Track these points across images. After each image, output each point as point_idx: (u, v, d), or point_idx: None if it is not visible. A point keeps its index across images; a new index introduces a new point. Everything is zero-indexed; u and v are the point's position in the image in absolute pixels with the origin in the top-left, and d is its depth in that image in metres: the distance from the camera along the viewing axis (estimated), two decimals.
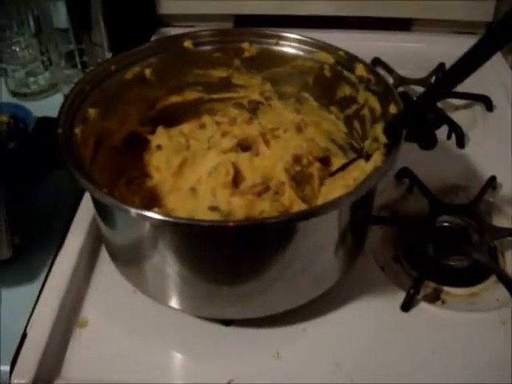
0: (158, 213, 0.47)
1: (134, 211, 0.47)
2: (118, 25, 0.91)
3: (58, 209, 0.69)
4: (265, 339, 0.58)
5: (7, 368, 0.54)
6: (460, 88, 0.83)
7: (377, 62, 0.96)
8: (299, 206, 0.58)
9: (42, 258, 0.64)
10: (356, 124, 0.64)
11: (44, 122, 0.70)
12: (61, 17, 0.84)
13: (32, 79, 0.91)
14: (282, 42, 0.67)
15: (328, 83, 0.66)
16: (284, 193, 0.59)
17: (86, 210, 0.67)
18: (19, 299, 0.61)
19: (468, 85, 0.85)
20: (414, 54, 0.99)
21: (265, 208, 0.57)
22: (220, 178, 0.59)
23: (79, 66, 0.87)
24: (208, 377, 0.55)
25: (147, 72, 0.66)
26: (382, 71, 0.96)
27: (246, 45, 0.68)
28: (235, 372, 0.55)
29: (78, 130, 0.56)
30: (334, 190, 0.58)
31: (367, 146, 0.59)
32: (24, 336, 0.56)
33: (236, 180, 0.60)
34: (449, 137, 0.83)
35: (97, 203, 0.56)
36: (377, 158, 0.54)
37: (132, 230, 0.54)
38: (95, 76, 0.63)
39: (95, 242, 0.66)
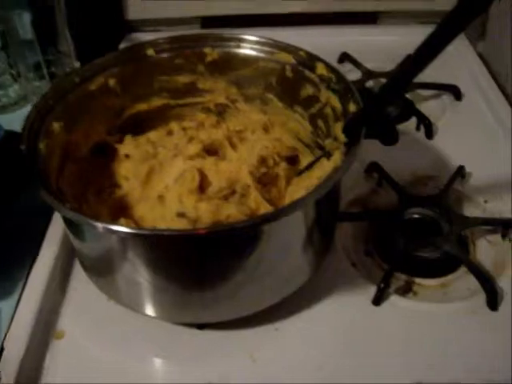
0: (124, 226, 0.48)
1: (100, 225, 0.48)
2: (85, 33, 0.91)
3: (31, 223, 0.69)
4: (239, 341, 0.58)
5: None
6: (428, 78, 0.86)
7: (345, 56, 0.97)
8: (265, 208, 0.59)
9: (17, 273, 0.64)
10: (320, 122, 0.65)
11: (10, 137, 0.70)
12: (26, 28, 0.85)
13: (1, 92, 0.91)
14: (243, 45, 0.68)
15: (291, 83, 0.66)
16: (250, 195, 0.60)
17: (58, 223, 0.67)
18: None
19: (436, 75, 0.88)
20: (382, 47, 0.99)
21: (231, 212, 0.57)
22: (186, 184, 0.60)
23: (47, 77, 0.87)
24: (184, 382, 0.56)
25: (111, 82, 0.66)
26: (350, 66, 0.97)
27: (208, 49, 0.68)
28: (212, 375, 0.56)
29: (42, 145, 0.56)
30: (299, 190, 0.59)
31: (328, 145, 0.59)
32: (1, 351, 0.57)
33: (202, 185, 0.61)
34: (417, 128, 0.84)
35: (65, 218, 0.56)
36: (336, 157, 0.55)
37: (101, 243, 0.54)
38: (59, 89, 0.63)
39: (69, 254, 0.66)
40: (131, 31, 1.06)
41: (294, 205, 0.49)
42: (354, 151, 0.52)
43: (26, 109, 0.90)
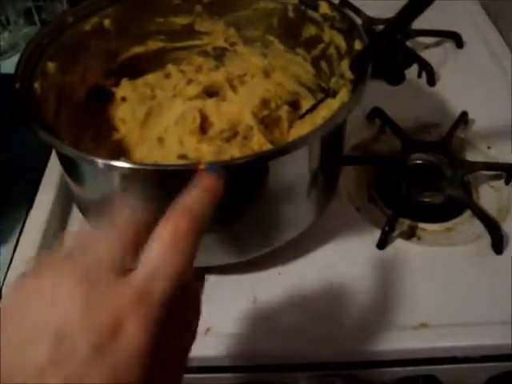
0: (126, 161, 0.46)
1: (100, 162, 0.46)
2: None
3: (26, 169, 0.68)
4: (241, 285, 0.58)
5: None
6: (429, 25, 0.84)
7: (345, 3, 0.95)
8: None
9: (13, 220, 0.63)
10: (323, 64, 0.63)
11: (2, 79, 0.67)
12: None
13: None
14: None
15: (293, 24, 0.64)
16: (253, 137, 0.58)
17: (54, 167, 0.66)
18: None
19: (437, 22, 0.86)
20: None
21: (234, 153, 0.56)
22: (187, 125, 0.58)
23: (38, 23, 0.84)
24: None
25: (106, 22, 0.64)
26: (350, 13, 0.94)
27: None
28: (213, 319, 0.55)
29: (37, 85, 0.54)
30: (304, 130, 0.57)
31: (334, 83, 0.58)
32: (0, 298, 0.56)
33: (203, 127, 0.59)
34: (419, 75, 0.83)
35: (62, 158, 0.54)
36: (343, 95, 0.53)
37: (100, 183, 0.52)
38: (52, 29, 0.60)
39: (66, 198, 0.65)
40: None
41: (300, 140, 0.47)
42: (361, 87, 0.50)
43: (17, 57, 0.88)
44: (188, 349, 0.36)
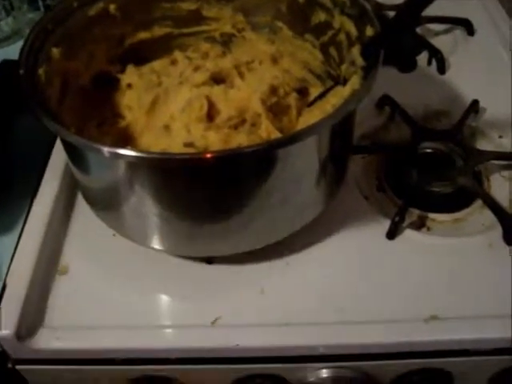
0: (132, 150, 0.45)
1: (106, 150, 0.45)
2: None
3: (31, 156, 0.67)
4: (249, 275, 0.57)
5: None
6: (440, 12, 0.82)
7: None
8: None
9: (18, 208, 0.63)
10: (332, 50, 0.62)
11: (6, 65, 0.67)
12: None
13: None
14: None
15: (302, 10, 0.63)
16: (261, 125, 0.57)
17: (59, 155, 0.65)
18: None
19: (448, 8, 0.85)
20: None
21: (241, 141, 0.55)
22: (194, 112, 0.57)
23: (42, 8, 0.83)
24: (193, 316, 0.54)
25: (111, 7, 0.63)
26: None
27: None
28: (221, 310, 0.54)
29: (41, 71, 0.54)
30: (313, 118, 0.56)
31: (344, 70, 0.56)
32: (4, 287, 0.55)
33: (211, 114, 0.58)
34: (429, 62, 0.81)
35: (67, 146, 0.54)
36: (355, 82, 0.52)
37: (105, 172, 0.52)
38: (57, 14, 0.59)
39: (71, 187, 0.64)
40: None
41: (311, 128, 0.47)
42: (373, 74, 0.49)
43: (21, 43, 0.87)
44: None
